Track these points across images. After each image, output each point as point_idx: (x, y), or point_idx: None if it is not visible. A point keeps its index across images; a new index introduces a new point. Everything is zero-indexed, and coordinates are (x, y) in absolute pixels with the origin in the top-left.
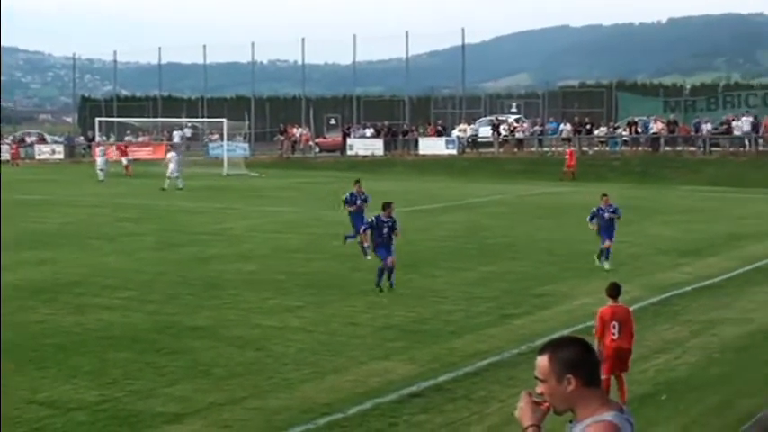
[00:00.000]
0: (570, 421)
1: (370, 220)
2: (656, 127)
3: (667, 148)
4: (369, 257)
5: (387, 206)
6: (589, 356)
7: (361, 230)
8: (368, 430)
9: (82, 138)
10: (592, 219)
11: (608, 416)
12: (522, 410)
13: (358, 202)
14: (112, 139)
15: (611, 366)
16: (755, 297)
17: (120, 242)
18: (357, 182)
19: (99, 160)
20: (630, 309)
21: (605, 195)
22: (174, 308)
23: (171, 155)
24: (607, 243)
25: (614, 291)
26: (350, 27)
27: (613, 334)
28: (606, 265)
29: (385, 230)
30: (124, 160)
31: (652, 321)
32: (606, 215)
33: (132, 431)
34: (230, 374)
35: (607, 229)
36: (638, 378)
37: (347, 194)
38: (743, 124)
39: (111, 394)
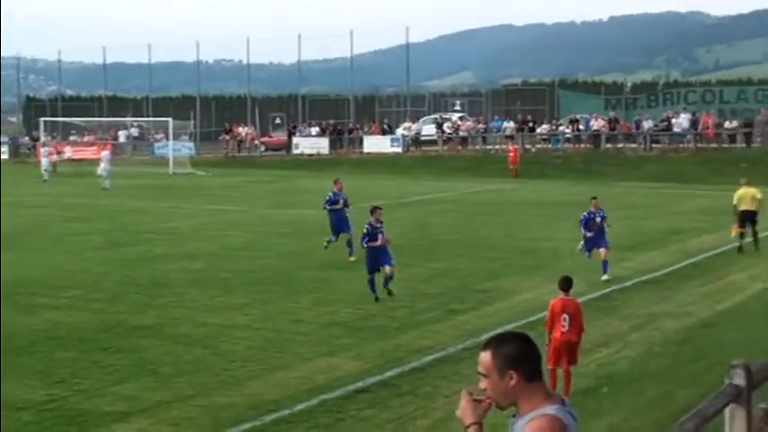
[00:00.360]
0: (513, 416)
1: (365, 230)
2: (598, 124)
3: (608, 145)
4: (353, 258)
5: (374, 210)
6: (531, 352)
7: (363, 245)
8: (315, 426)
9: (27, 138)
10: (586, 225)
11: (550, 409)
12: (464, 409)
13: (340, 201)
14: (57, 139)
15: (559, 358)
16: (694, 291)
17: (67, 242)
18: (337, 181)
19: (44, 161)
20: (580, 302)
21: (595, 198)
22: (121, 307)
23: (104, 153)
24: (603, 252)
25: (566, 284)
26: (294, 26)
27: (563, 326)
28: (605, 276)
29: (379, 237)
30: (56, 157)
31: (593, 316)
32: (598, 219)
33: (80, 430)
34: (177, 372)
35: (599, 235)
36: (581, 371)
37: (329, 194)
38: (682, 121)
39: (58, 394)
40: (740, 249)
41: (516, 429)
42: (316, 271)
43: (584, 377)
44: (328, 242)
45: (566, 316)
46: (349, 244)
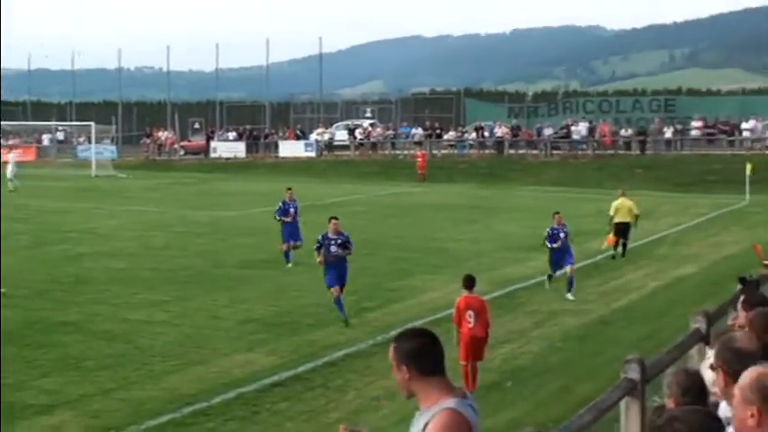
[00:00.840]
0: (418, 409)
1: (318, 239)
2: (501, 131)
3: (511, 151)
4: (290, 265)
5: (330, 220)
6: (427, 348)
7: (315, 250)
8: (231, 419)
9: None
10: (553, 241)
11: (451, 403)
12: None
13: (291, 210)
14: None
15: (467, 353)
16: (593, 290)
17: None
18: (289, 189)
19: None
20: (485, 299)
21: (557, 213)
22: (45, 303)
23: (10, 156)
24: (569, 269)
25: (469, 282)
26: (212, 35)
27: (469, 323)
28: (570, 296)
29: (332, 249)
30: None
31: (497, 313)
32: (562, 234)
33: (4, 423)
34: (99, 367)
35: (563, 251)
36: (486, 366)
37: (279, 204)
38: (581, 129)
39: None
40: (614, 257)
41: (418, 422)
42: (232, 269)
43: (488, 372)
44: (285, 253)
45: (471, 312)
46: (286, 254)
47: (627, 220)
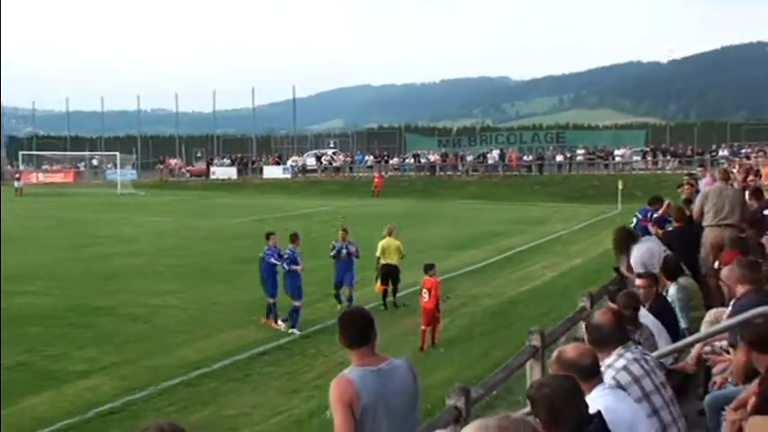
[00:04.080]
0: None
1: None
2: (433, 158)
3: (441, 173)
4: (339, 307)
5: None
6: (348, 325)
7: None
8: (229, 380)
9: (9, 167)
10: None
11: (348, 372)
12: None
13: (343, 252)
14: (32, 168)
15: (426, 320)
16: (505, 277)
17: (38, 244)
18: (344, 230)
19: (16, 183)
20: (438, 281)
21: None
22: (83, 292)
23: None
24: None
25: (427, 267)
26: (211, 84)
27: (424, 298)
28: None
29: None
30: (16, 183)
31: None
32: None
33: (53, 385)
34: (126, 341)
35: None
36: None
37: (333, 242)
38: (494, 155)
39: (28, 359)
40: (385, 306)
41: None
42: (228, 265)
43: (427, 342)
44: (335, 296)
45: (425, 290)
46: (349, 299)
47: (395, 262)
